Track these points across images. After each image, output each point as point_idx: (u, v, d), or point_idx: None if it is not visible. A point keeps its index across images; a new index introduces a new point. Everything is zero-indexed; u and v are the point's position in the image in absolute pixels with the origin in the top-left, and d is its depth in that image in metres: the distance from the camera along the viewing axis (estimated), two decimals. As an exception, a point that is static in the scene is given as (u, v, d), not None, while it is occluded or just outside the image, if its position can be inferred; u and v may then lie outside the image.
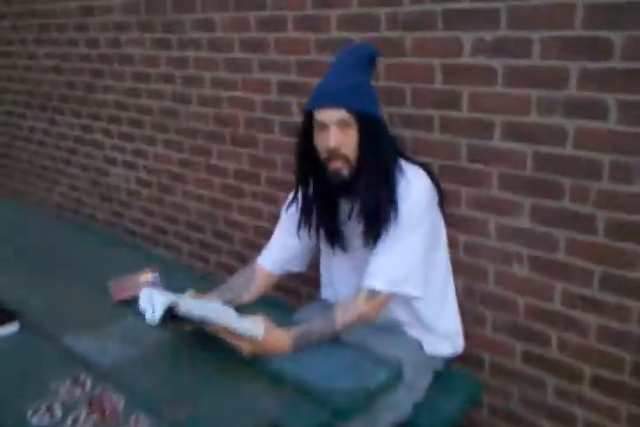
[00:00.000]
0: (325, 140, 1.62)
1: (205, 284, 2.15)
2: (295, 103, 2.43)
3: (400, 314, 1.82)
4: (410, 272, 1.67)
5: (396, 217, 1.64)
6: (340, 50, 1.87)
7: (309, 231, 1.82)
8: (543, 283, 1.87)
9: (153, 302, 1.44)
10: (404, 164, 1.73)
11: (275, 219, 2.63)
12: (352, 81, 1.66)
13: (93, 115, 3.58)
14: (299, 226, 1.82)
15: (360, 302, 1.64)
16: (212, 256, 3.10)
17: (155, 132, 3.18)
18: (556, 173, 1.77)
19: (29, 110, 4.14)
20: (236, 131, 2.73)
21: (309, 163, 1.73)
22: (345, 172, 1.65)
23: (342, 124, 1.60)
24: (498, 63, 1.80)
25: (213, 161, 2.90)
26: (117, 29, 3.18)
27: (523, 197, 1.85)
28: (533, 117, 1.77)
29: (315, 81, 2.26)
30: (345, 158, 1.64)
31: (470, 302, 2.04)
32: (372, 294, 1.65)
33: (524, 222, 1.87)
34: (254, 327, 1.47)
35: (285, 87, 2.45)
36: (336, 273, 1.93)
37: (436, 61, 1.93)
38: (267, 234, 2.69)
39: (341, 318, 1.62)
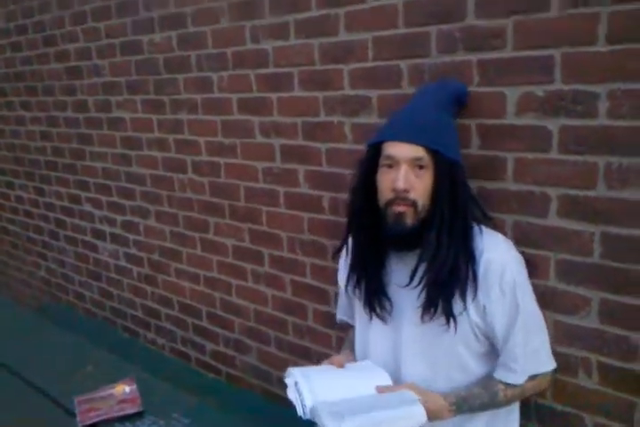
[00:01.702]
0: (393, 180, 1.36)
1: (192, 397, 1.82)
2: (302, 171, 2.09)
3: None
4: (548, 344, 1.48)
5: (471, 290, 1.37)
6: (425, 84, 1.64)
7: (354, 290, 1.56)
8: (620, 398, 1.46)
9: (300, 400, 1.36)
10: (484, 228, 1.45)
11: (280, 303, 2.29)
12: (435, 117, 1.43)
13: (82, 184, 3.26)
14: (347, 280, 1.57)
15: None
16: (208, 344, 2.71)
17: (146, 203, 2.84)
18: (632, 261, 1.39)
19: (17, 179, 3.85)
20: (236, 203, 2.38)
21: (365, 207, 1.45)
22: (409, 220, 1.37)
23: (416, 165, 1.36)
24: (553, 124, 1.45)
25: (210, 236, 2.55)
26: (106, 91, 2.90)
27: (589, 292, 1.46)
28: (601, 190, 1.40)
29: (325, 146, 1.96)
30: (412, 204, 1.36)
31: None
32: (532, 377, 1.44)
33: (592, 322, 1.47)
34: (414, 414, 1.31)
35: (291, 153, 2.12)
36: (372, 349, 1.57)
37: (473, 122, 1.59)
38: (270, 321, 2.35)
39: (503, 392, 1.42)
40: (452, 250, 1.36)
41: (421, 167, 1.36)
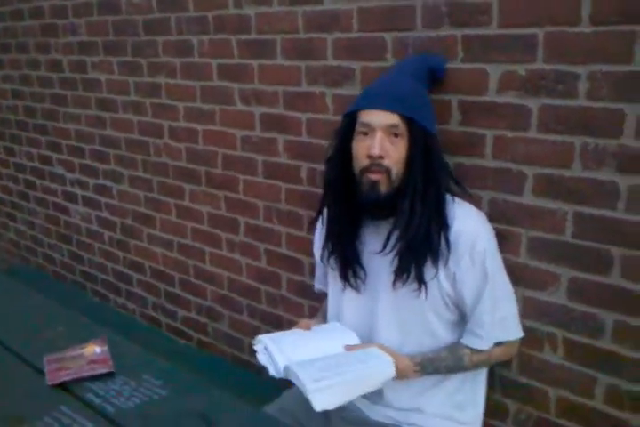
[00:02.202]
0: (368, 147, 1.38)
1: (163, 360, 1.83)
2: (281, 141, 2.08)
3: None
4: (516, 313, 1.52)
5: (442, 257, 1.40)
6: (405, 57, 1.65)
7: (328, 259, 1.58)
8: (584, 374, 1.51)
9: (273, 361, 1.40)
10: (457, 199, 1.48)
11: (254, 272, 2.30)
12: (410, 87, 1.45)
13: (54, 145, 3.20)
14: (322, 249, 1.59)
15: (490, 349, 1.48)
16: (180, 311, 2.71)
17: (120, 168, 2.81)
18: (603, 241, 1.42)
19: (-14, 138, 3.76)
20: (213, 170, 2.37)
21: (341, 176, 1.47)
22: (383, 187, 1.39)
23: (391, 132, 1.38)
24: (533, 103, 1.46)
25: (186, 203, 2.53)
26: (82, 51, 2.83)
27: (559, 269, 1.50)
28: (576, 170, 1.43)
29: (306, 116, 1.95)
30: (387, 171, 1.38)
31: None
32: (499, 344, 1.49)
33: (560, 299, 1.51)
34: (383, 367, 1.38)
35: (271, 122, 2.10)
36: (346, 316, 1.60)
37: (454, 98, 1.60)
38: (243, 290, 2.37)
39: (469, 357, 1.46)
40: (425, 218, 1.39)
41: (396, 135, 1.38)
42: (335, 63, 1.86)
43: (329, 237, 1.57)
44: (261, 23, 2.04)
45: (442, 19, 1.58)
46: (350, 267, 1.53)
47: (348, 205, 1.48)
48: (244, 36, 2.11)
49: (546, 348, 1.56)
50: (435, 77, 1.58)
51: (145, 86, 2.56)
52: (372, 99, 1.43)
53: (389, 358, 1.39)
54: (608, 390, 1.48)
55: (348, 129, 1.45)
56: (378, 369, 1.38)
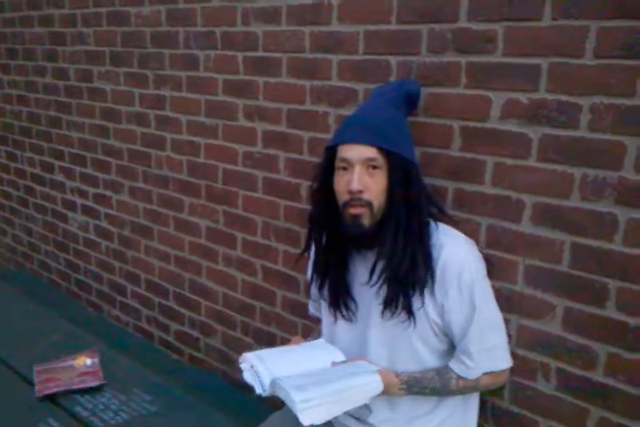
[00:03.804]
0: (347, 182, 1.38)
1: (154, 375, 1.82)
2: (282, 158, 2.08)
3: None
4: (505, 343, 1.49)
5: (429, 285, 1.40)
6: (380, 86, 1.66)
7: (319, 291, 1.59)
8: (576, 406, 1.50)
9: (259, 379, 1.39)
10: (443, 226, 1.47)
11: (250, 288, 2.30)
12: (387, 117, 1.45)
13: (56, 152, 3.20)
14: (310, 280, 1.62)
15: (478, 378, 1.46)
16: (173, 324, 2.70)
17: (120, 178, 2.81)
18: (599, 273, 1.42)
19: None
20: (213, 184, 2.37)
21: (325, 209, 1.47)
22: (365, 221, 1.39)
23: (369, 165, 1.38)
24: (534, 132, 1.47)
25: (184, 216, 2.53)
26: (89, 61, 2.84)
27: (555, 298, 1.49)
28: (575, 201, 1.43)
29: (308, 135, 1.96)
30: (368, 205, 1.38)
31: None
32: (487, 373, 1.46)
33: (555, 329, 1.51)
34: (370, 381, 1.38)
35: (273, 139, 2.11)
36: (340, 344, 1.58)
37: (456, 123, 1.60)
38: (238, 306, 2.36)
39: (456, 381, 1.45)
40: (409, 247, 1.39)
41: (375, 167, 1.38)
42: (339, 84, 1.86)
43: (318, 269, 1.57)
44: (268, 41, 2.05)
45: (447, 45, 1.59)
46: (341, 299, 1.53)
47: (334, 237, 1.48)
48: (250, 53, 2.12)
49: (539, 377, 1.55)
50: (412, 103, 1.59)
51: (150, 98, 2.57)
52: (348, 133, 1.42)
53: (377, 376, 1.38)
54: (600, 423, 1.46)
55: (329, 163, 1.45)
56: (365, 383, 1.38)
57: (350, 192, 1.37)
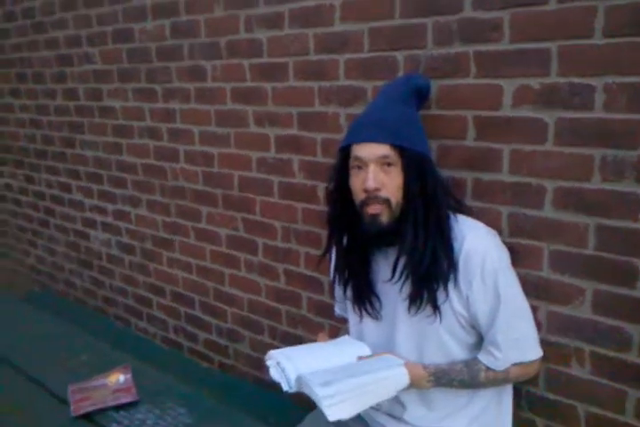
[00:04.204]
0: (363, 181, 1.38)
1: (186, 385, 1.83)
2: (296, 161, 2.09)
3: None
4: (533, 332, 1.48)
5: (452, 278, 1.39)
6: (387, 82, 1.65)
7: (344, 291, 1.59)
8: (613, 388, 1.48)
9: (285, 376, 1.38)
10: (463, 217, 1.47)
11: (274, 293, 2.30)
12: (397, 113, 1.44)
13: (72, 172, 3.24)
14: (333, 281, 1.63)
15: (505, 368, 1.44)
16: (201, 333, 2.71)
17: (138, 192, 2.83)
18: (626, 253, 1.40)
19: (5, 167, 3.81)
20: (230, 192, 2.38)
21: (343, 210, 1.47)
22: (384, 218, 1.39)
23: (384, 163, 1.38)
24: (549, 117, 1.46)
25: (203, 225, 2.54)
26: (97, 79, 2.87)
27: (583, 282, 1.48)
28: (596, 183, 1.42)
29: (320, 136, 1.96)
30: (385, 202, 1.38)
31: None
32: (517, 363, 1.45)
33: (585, 313, 1.49)
34: (396, 374, 1.37)
35: (285, 143, 2.12)
36: (368, 343, 1.57)
37: (469, 114, 1.60)
38: (263, 311, 2.36)
39: (485, 373, 1.44)
40: (430, 242, 1.38)
41: (389, 164, 1.38)
42: (347, 83, 1.87)
43: (340, 270, 1.57)
44: (273, 46, 2.06)
45: (453, 36, 1.59)
46: (365, 297, 1.53)
47: (354, 237, 1.48)
48: (256, 60, 2.13)
49: (573, 363, 1.54)
50: (422, 97, 1.59)
51: (160, 112, 2.59)
52: (360, 132, 1.42)
53: (404, 369, 1.38)
54: (639, 404, 1.45)
55: (343, 163, 1.45)
56: (391, 376, 1.37)
57: (366, 191, 1.38)
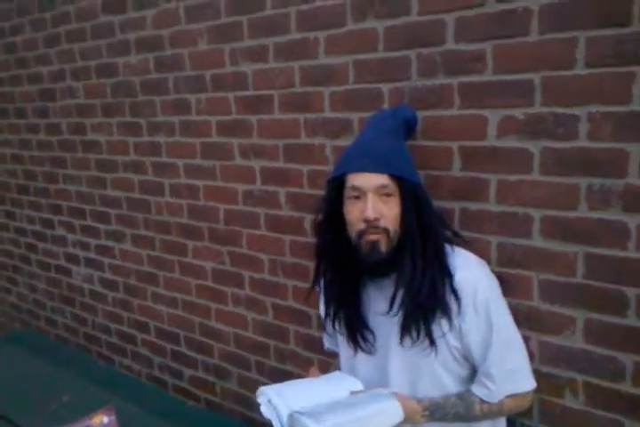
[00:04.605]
0: (361, 211, 1.36)
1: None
2: (283, 193, 2.08)
3: None
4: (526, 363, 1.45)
5: (451, 309, 1.37)
6: (374, 114, 1.65)
7: (333, 324, 1.55)
8: (608, 419, 1.46)
9: (276, 413, 1.35)
10: (457, 248, 1.47)
11: (261, 327, 2.26)
12: (388, 145, 1.45)
13: (55, 207, 3.20)
14: (325, 315, 1.59)
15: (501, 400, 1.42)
16: (187, 370, 2.65)
17: (121, 227, 2.80)
18: (616, 282, 1.40)
19: (-14, 202, 3.77)
20: (215, 225, 2.36)
21: (334, 240, 1.45)
22: (383, 247, 1.38)
23: (382, 193, 1.37)
24: (534, 147, 1.47)
25: (189, 259, 2.51)
26: (81, 114, 2.86)
27: (574, 311, 1.47)
28: (583, 211, 1.42)
29: (306, 168, 1.96)
30: (384, 231, 1.37)
31: None
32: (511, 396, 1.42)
33: (577, 342, 1.48)
34: (389, 408, 1.34)
35: (271, 175, 2.11)
36: (360, 376, 1.53)
37: (454, 144, 1.61)
38: (250, 346, 2.32)
39: (479, 406, 1.41)
40: (429, 272, 1.37)
41: (388, 195, 1.37)
42: (333, 115, 1.88)
43: (330, 303, 1.55)
44: (258, 79, 2.07)
45: (437, 68, 1.60)
46: (357, 331, 1.51)
47: (346, 268, 1.46)
48: (241, 93, 2.14)
49: (566, 394, 1.52)
50: (409, 128, 1.60)
51: (144, 145, 2.58)
52: (356, 162, 1.41)
53: (396, 402, 1.35)
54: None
55: (336, 194, 1.44)
56: (385, 410, 1.34)
57: (366, 220, 1.36)
